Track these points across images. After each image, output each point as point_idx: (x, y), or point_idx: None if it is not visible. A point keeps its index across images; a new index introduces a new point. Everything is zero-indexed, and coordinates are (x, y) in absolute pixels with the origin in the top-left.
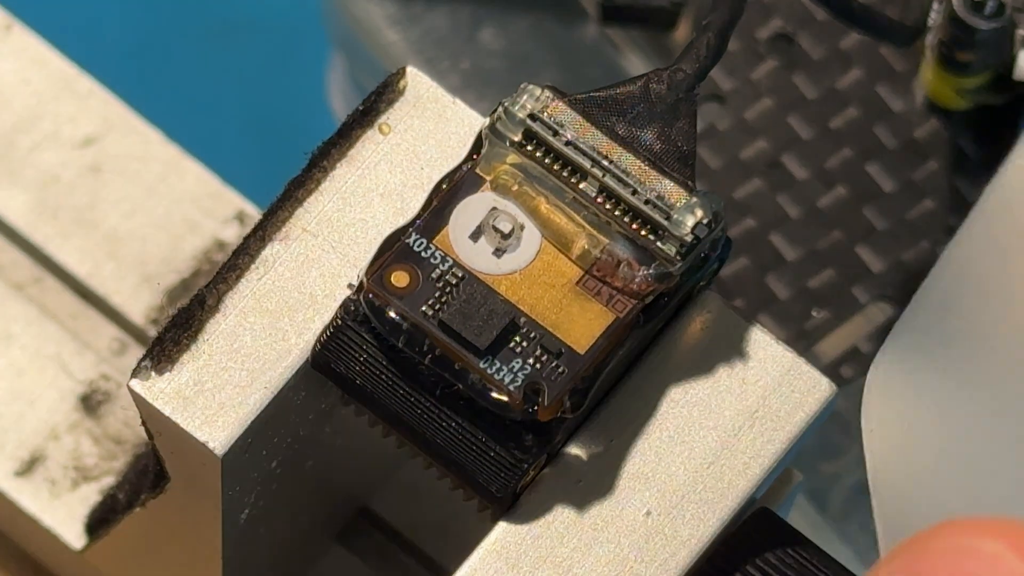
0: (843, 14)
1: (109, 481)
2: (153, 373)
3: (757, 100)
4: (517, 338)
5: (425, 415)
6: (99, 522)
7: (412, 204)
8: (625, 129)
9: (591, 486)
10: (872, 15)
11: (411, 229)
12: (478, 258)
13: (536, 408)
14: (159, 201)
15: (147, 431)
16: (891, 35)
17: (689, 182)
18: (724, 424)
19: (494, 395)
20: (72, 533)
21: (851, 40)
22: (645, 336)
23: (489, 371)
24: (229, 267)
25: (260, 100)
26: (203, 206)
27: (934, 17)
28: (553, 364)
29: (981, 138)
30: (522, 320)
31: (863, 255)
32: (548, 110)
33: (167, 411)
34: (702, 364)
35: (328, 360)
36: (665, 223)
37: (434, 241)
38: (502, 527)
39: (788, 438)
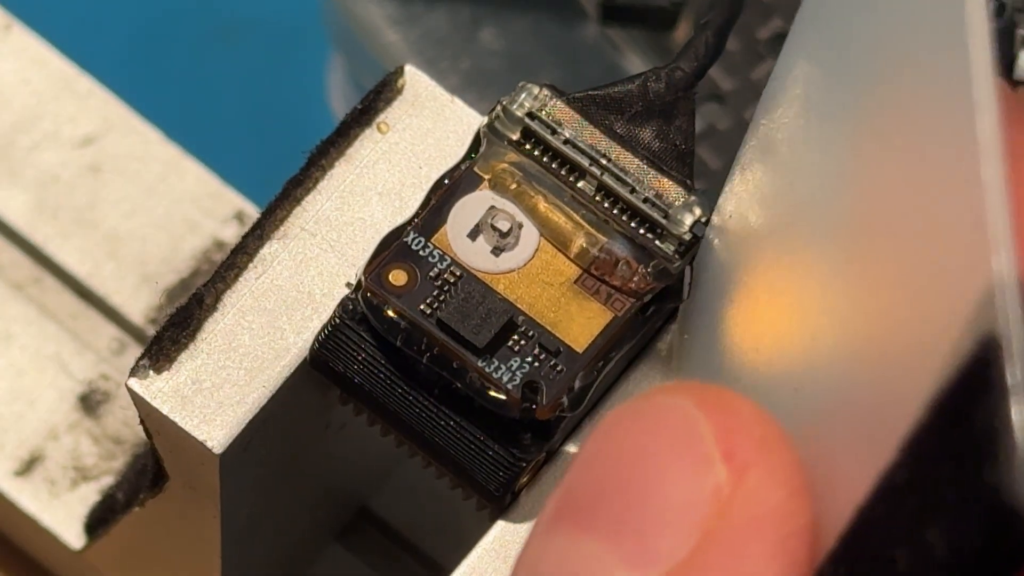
0: None
1: (108, 481)
2: (151, 372)
3: (757, 100)
4: (515, 337)
5: (423, 414)
6: (98, 522)
7: (410, 203)
8: (623, 128)
9: None
10: None
11: (409, 228)
12: (476, 257)
13: (534, 407)
14: (159, 201)
15: (145, 430)
16: None
17: (688, 181)
18: None
19: (492, 394)
20: (71, 533)
21: None
22: (644, 335)
23: (487, 370)
24: (227, 266)
25: (260, 100)
26: (203, 206)
27: None
28: (551, 363)
29: None
30: (520, 319)
31: None
32: (546, 109)
33: (165, 410)
34: None
35: (326, 359)
36: (663, 222)
37: (432, 240)
38: (500, 526)
39: None
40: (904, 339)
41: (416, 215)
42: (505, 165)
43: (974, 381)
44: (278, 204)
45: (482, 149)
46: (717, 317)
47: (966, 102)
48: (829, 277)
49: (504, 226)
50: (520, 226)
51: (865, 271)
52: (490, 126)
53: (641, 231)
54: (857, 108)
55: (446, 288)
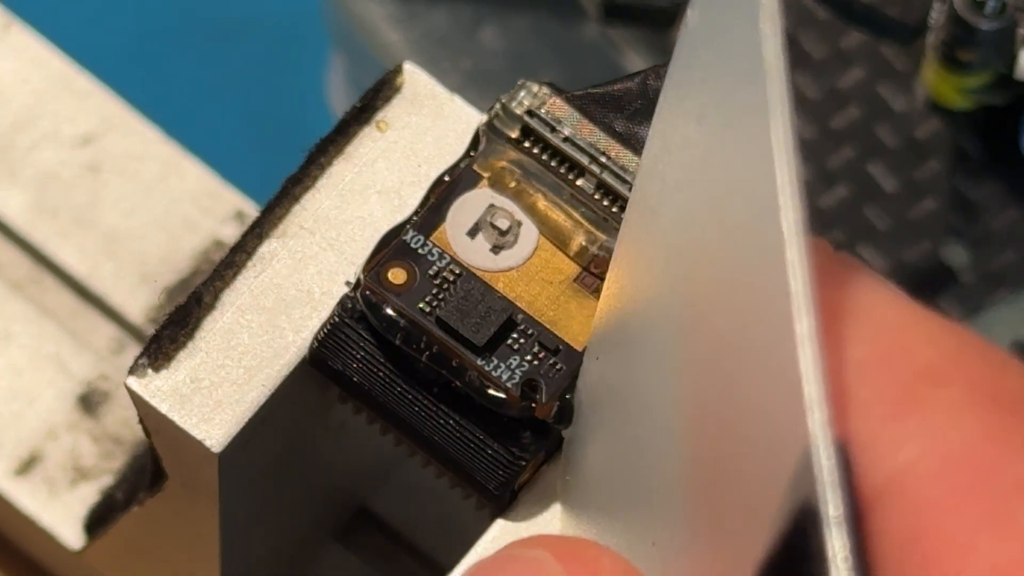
0: (844, 13)
1: (107, 480)
2: (150, 371)
3: None
4: (515, 335)
5: (423, 412)
6: (97, 521)
7: (409, 201)
8: (623, 125)
9: None
10: (873, 14)
11: (408, 226)
12: (475, 255)
13: (534, 405)
14: (158, 200)
15: (144, 429)
16: (892, 34)
17: None
18: None
19: (492, 392)
20: (70, 533)
21: (852, 39)
22: None
23: (487, 368)
24: (226, 264)
25: (260, 100)
26: (202, 205)
27: (935, 16)
28: (551, 361)
29: (983, 138)
30: (520, 317)
31: (864, 255)
32: (546, 106)
33: (164, 409)
34: None
35: (325, 357)
36: None
37: (431, 238)
38: (500, 524)
39: None
40: (739, 502)
41: (415, 213)
42: (504, 163)
43: (794, 550)
44: (277, 202)
45: (481, 147)
46: (586, 460)
47: (780, 262)
48: (670, 442)
49: (503, 224)
50: (519, 224)
51: (699, 430)
52: (489, 124)
53: None
54: (680, 268)
55: (445, 286)
